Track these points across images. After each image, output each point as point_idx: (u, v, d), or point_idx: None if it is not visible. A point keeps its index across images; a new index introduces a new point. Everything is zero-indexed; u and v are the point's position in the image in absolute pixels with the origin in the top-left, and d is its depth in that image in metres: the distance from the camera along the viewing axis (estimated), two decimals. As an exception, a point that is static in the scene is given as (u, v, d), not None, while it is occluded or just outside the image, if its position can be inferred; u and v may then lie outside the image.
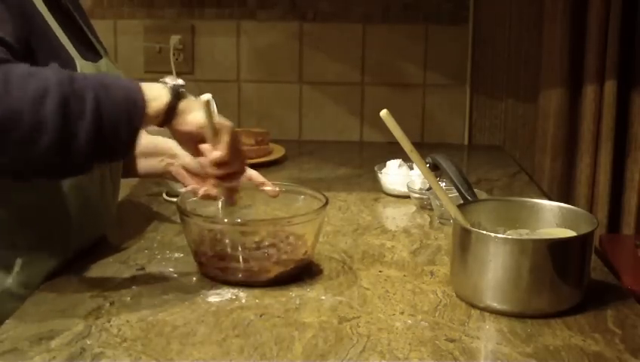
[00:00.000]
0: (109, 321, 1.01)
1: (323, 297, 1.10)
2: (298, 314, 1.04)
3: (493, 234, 1.06)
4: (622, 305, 1.09)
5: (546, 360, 0.93)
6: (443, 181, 1.34)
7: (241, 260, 1.15)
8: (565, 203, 1.20)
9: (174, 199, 1.42)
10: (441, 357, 0.93)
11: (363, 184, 1.75)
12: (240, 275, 1.14)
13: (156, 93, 1.00)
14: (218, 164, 1.07)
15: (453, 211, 1.13)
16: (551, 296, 1.04)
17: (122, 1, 2.22)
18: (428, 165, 1.19)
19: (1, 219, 1.10)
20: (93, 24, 1.35)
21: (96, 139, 0.94)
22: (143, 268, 1.20)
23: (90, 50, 1.25)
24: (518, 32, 2.15)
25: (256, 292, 1.11)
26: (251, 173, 1.24)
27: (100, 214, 1.26)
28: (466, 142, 2.25)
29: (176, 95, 1.02)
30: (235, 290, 1.11)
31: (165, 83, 1.03)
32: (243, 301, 1.08)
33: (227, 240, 1.15)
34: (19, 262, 1.11)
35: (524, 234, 1.15)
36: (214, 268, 1.15)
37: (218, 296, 1.10)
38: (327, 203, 1.19)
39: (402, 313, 1.05)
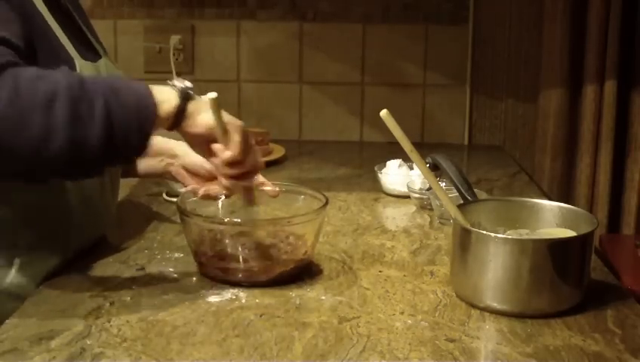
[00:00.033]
0: (109, 321, 1.01)
1: (323, 297, 1.10)
2: (298, 314, 1.04)
3: (493, 234, 1.06)
4: (622, 305, 1.09)
5: (546, 360, 0.93)
6: (443, 181, 1.34)
7: (241, 260, 1.15)
8: (565, 203, 1.20)
9: (174, 199, 1.42)
10: (441, 357, 0.93)
11: (363, 184, 1.75)
12: (240, 275, 1.14)
13: (165, 97, 1.00)
14: (231, 163, 1.06)
15: (453, 211, 1.13)
16: (551, 296, 1.04)
17: (122, 1, 2.22)
18: (428, 165, 1.19)
19: (4, 218, 1.10)
20: (93, 24, 1.35)
21: (108, 144, 0.94)
22: (143, 268, 1.20)
23: (90, 50, 1.25)
24: (518, 32, 2.15)
25: (256, 292, 1.11)
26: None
27: (99, 214, 1.26)
28: (466, 142, 2.25)
29: (185, 97, 1.01)
30: (235, 290, 1.11)
31: (174, 85, 1.02)
32: (243, 301, 1.08)
33: (227, 240, 1.15)
34: (19, 261, 1.11)
35: (524, 234, 1.15)
36: (214, 268, 1.15)
37: (218, 296, 1.10)
38: (327, 203, 1.19)
39: (402, 313, 1.05)
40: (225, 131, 1.04)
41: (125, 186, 1.59)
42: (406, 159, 1.63)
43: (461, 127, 2.25)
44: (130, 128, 0.96)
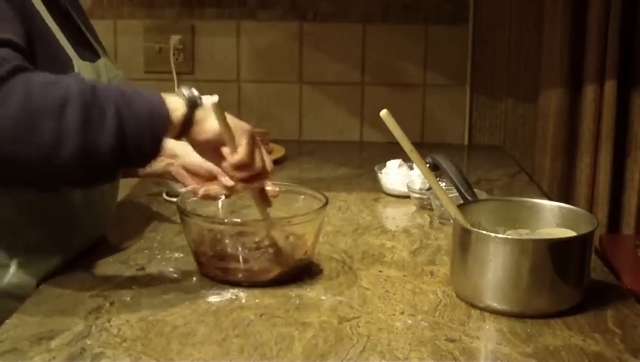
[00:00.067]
0: (109, 321, 1.01)
1: (323, 297, 1.10)
2: (298, 314, 1.04)
3: (493, 234, 1.06)
4: (622, 305, 1.09)
5: (546, 360, 0.93)
6: (443, 181, 1.34)
7: (241, 260, 1.15)
8: (565, 203, 1.20)
9: (174, 199, 1.42)
10: (441, 357, 0.93)
11: (363, 184, 1.75)
12: (240, 275, 1.14)
13: (173, 106, 1.00)
14: (239, 166, 1.06)
15: (453, 211, 1.13)
16: (551, 296, 1.04)
17: (122, 1, 2.22)
18: (428, 165, 1.19)
19: (4, 218, 1.10)
20: (93, 24, 1.35)
21: (119, 152, 0.94)
22: (143, 268, 1.20)
23: (89, 51, 1.25)
24: (518, 32, 2.15)
25: (256, 292, 1.11)
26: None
27: (100, 214, 1.26)
28: (466, 142, 2.25)
29: (192, 105, 1.01)
30: (235, 290, 1.11)
31: (183, 94, 1.02)
32: (243, 301, 1.08)
33: (227, 240, 1.15)
34: (18, 261, 1.11)
35: (524, 234, 1.15)
36: (214, 268, 1.15)
37: (218, 296, 1.10)
38: (327, 203, 1.19)
39: (402, 313, 1.05)
40: (230, 134, 1.03)
41: (125, 186, 1.59)
42: (406, 159, 1.63)
43: (461, 127, 2.25)
44: (143, 136, 0.96)
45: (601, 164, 1.90)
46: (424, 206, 1.55)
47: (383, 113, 1.09)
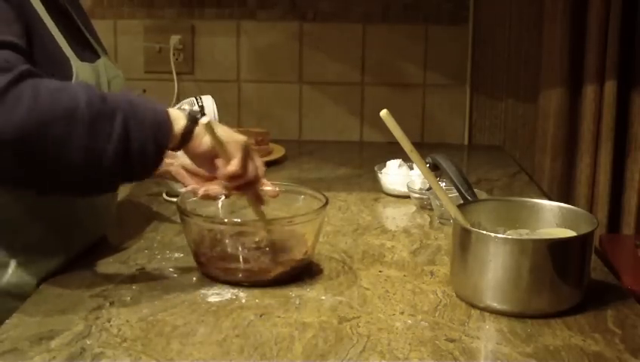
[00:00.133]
0: (109, 321, 1.01)
1: (323, 297, 1.10)
2: (298, 314, 1.04)
3: (493, 234, 1.06)
4: (622, 305, 1.09)
5: (546, 360, 0.93)
6: (443, 181, 1.34)
7: (241, 260, 1.15)
8: (565, 203, 1.20)
9: (174, 199, 1.42)
10: (441, 357, 0.93)
11: (363, 184, 1.75)
12: (240, 275, 1.14)
13: (175, 118, 1.02)
14: (233, 177, 1.08)
15: (453, 211, 1.13)
16: (551, 296, 1.04)
17: (122, 1, 2.22)
18: (428, 165, 1.19)
19: (3, 218, 1.10)
20: (93, 24, 1.34)
21: (124, 158, 0.96)
22: (143, 268, 1.20)
23: (88, 50, 1.25)
24: (518, 32, 2.14)
25: (256, 292, 1.11)
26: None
27: (100, 214, 1.26)
28: (466, 142, 2.25)
29: (192, 119, 1.04)
30: (235, 290, 1.11)
31: (184, 109, 1.06)
32: (243, 301, 1.08)
33: (227, 240, 1.15)
34: (18, 261, 1.11)
35: (524, 234, 1.15)
36: (214, 268, 1.15)
37: (218, 296, 1.10)
38: (327, 203, 1.19)
39: (402, 313, 1.05)
40: (224, 149, 1.07)
41: (125, 186, 1.59)
42: (406, 159, 1.63)
43: (461, 127, 2.25)
44: (147, 143, 0.98)
45: (601, 164, 1.90)
46: (424, 206, 1.55)
47: (383, 113, 1.09)
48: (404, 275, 1.19)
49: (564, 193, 1.96)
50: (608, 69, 1.86)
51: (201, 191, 1.20)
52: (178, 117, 1.03)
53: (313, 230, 1.18)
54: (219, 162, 1.08)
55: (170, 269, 1.20)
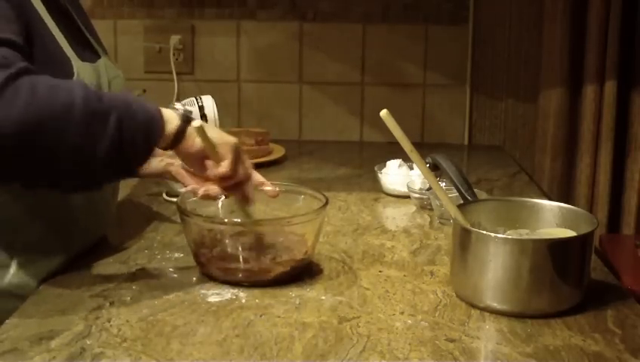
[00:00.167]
0: (109, 321, 1.01)
1: (323, 297, 1.10)
2: (298, 314, 1.04)
3: (493, 234, 1.06)
4: (622, 305, 1.09)
5: (546, 360, 0.93)
6: (443, 181, 1.34)
7: (241, 260, 1.15)
8: (565, 203, 1.20)
9: (174, 199, 1.42)
10: (441, 357, 0.93)
11: (363, 184, 1.75)
12: (240, 275, 1.14)
13: (168, 118, 1.04)
14: (223, 178, 1.11)
15: (453, 211, 1.13)
16: (551, 296, 1.04)
17: (122, 1, 2.22)
18: (428, 165, 1.19)
19: (4, 217, 1.10)
20: (94, 24, 1.34)
21: (115, 156, 0.97)
22: (143, 268, 1.20)
23: (89, 51, 1.25)
24: (518, 32, 2.14)
25: (256, 292, 1.11)
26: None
27: (100, 213, 1.26)
28: (466, 142, 2.25)
29: (185, 120, 1.06)
30: (235, 290, 1.11)
31: (176, 109, 1.07)
32: (243, 301, 1.08)
33: (227, 240, 1.15)
34: (19, 261, 1.11)
35: (524, 234, 1.15)
36: (214, 268, 1.15)
37: (218, 296, 1.10)
38: (327, 203, 1.19)
39: (402, 313, 1.05)
40: (215, 151, 1.09)
41: (125, 186, 1.59)
42: (406, 159, 1.63)
43: (461, 127, 2.25)
44: (137, 137, 0.99)
45: (601, 164, 1.90)
46: (424, 206, 1.55)
47: (383, 113, 1.09)
48: (404, 275, 1.19)
49: (564, 193, 1.96)
50: (608, 69, 1.86)
51: (201, 191, 1.20)
52: (171, 117, 1.04)
53: (313, 230, 1.18)
54: (209, 163, 1.10)
55: (170, 269, 1.20)
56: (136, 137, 0.99)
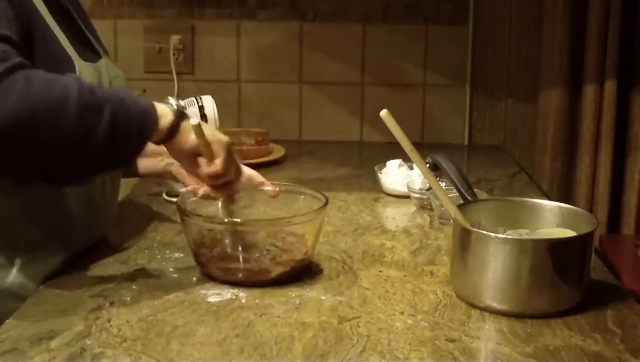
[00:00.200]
0: (109, 321, 1.01)
1: (323, 297, 1.10)
2: (298, 314, 1.04)
3: (493, 234, 1.06)
4: (622, 305, 1.09)
5: (546, 360, 0.93)
6: (443, 181, 1.34)
7: (241, 260, 1.15)
8: (565, 203, 1.20)
9: (174, 199, 1.42)
10: (441, 357, 0.93)
11: (363, 184, 1.75)
12: (240, 275, 1.14)
13: (162, 113, 1.04)
14: (214, 177, 1.11)
15: (453, 211, 1.13)
16: (551, 296, 1.04)
17: (122, 1, 2.22)
18: (428, 165, 1.19)
19: (3, 217, 1.10)
20: (94, 24, 1.35)
21: (109, 147, 0.97)
22: (143, 268, 1.20)
23: (90, 51, 1.25)
24: (518, 32, 2.14)
25: (256, 292, 1.11)
26: (251, 173, 1.24)
27: (100, 213, 1.26)
28: (466, 142, 2.25)
29: (179, 115, 1.06)
30: (235, 290, 1.11)
31: (169, 104, 1.08)
32: (243, 301, 1.08)
33: (227, 240, 1.15)
34: (20, 261, 1.12)
35: (524, 234, 1.15)
36: (214, 268, 1.15)
37: (218, 296, 1.10)
38: (327, 203, 1.19)
39: (402, 313, 1.05)
40: (209, 149, 1.09)
41: (125, 186, 1.59)
42: (406, 159, 1.63)
43: (461, 127, 2.25)
44: (131, 130, 0.99)
45: (601, 164, 1.90)
46: (424, 206, 1.55)
47: (383, 113, 1.09)
48: (404, 275, 1.19)
49: (564, 193, 1.96)
50: (608, 69, 1.86)
51: (201, 191, 1.20)
52: (165, 112, 1.05)
53: (313, 230, 1.18)
54: (201, 160, 1.10)
55: (170, 269, 1.20)
56: (129, 130, 0.99)
